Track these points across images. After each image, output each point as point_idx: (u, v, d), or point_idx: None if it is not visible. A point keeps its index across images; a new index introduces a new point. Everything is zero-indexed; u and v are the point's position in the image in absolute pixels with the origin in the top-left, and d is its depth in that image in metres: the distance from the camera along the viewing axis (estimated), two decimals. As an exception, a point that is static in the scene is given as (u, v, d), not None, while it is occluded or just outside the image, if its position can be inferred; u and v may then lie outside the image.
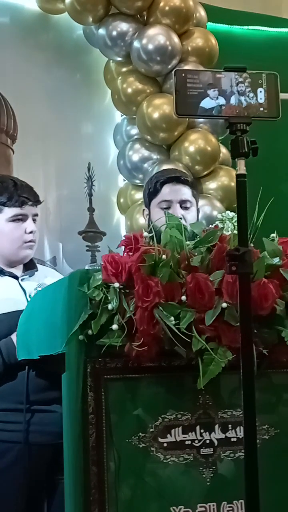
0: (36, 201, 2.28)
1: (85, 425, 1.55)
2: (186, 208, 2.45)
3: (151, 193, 2.50)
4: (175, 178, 2.49)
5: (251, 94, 1.39)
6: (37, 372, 1.96)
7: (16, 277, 2.26)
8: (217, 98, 1.36)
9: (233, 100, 1.40)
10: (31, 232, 2.25)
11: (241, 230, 1.37)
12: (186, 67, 3.83)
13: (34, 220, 2.28)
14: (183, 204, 2.45)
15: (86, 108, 4.46)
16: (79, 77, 4.48)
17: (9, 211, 2.23)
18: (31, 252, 2.29)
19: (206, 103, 1.35)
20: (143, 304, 1.53)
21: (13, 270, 2.28)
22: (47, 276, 2.28)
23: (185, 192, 2.47)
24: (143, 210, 2.62)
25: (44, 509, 2.10)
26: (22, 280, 2.25)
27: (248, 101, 1.40)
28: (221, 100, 1.37)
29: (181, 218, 1.64)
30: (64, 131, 4.35)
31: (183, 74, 1.38)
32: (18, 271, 2.29)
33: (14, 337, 2.05)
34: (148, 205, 2.54)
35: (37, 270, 2.31)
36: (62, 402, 1.63)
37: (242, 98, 1.40)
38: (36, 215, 2.29)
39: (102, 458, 1.55)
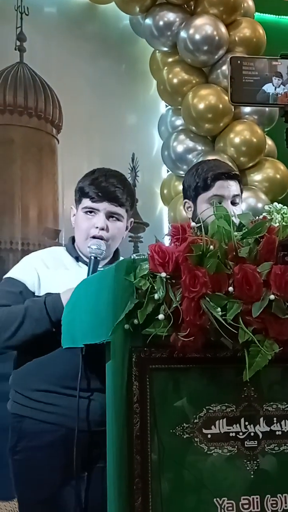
0: (115, 199, 2.23)
1: (129, 414, 1.55)
2: (235, 204, 2.43)
3: (199, 187, 2.44)
4: (226, 174, 2.45)
5: (308, 83, 1.37)
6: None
7: None
8: (279, 86, 1.34)
9: (289, 88, 1.38)
10: (98, 228, 2.22)
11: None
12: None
13: (111, 219, 2.24)
14: (233, 199, 2.43)
15: (131, 98, 4.46)
16: (124, 67, 4.49)
17: (84, 202, 2.26)
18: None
19: (268, 88, 1.33)
20: (190, 295, 1.51)
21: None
22: None
23: (236, 187, 2.45)
24: (185, 202, 2.55)
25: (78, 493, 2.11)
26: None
27: (304, 89, 1.37)
28: (281, 89, 1.34)
29: (232, 216, 1.63)
30: (108, 121, 4.36)
31: (239, 62, 1.36)
32: (102, 262, 2.26)
33: (63, 295, 2.05)
34: (193, 198, 2.48)
35: None
36: (105, 391, 1.63)
37: (299, 87, 1.37)
38: (115, 213, 2.24)
39: (146, 447, 1.55)
